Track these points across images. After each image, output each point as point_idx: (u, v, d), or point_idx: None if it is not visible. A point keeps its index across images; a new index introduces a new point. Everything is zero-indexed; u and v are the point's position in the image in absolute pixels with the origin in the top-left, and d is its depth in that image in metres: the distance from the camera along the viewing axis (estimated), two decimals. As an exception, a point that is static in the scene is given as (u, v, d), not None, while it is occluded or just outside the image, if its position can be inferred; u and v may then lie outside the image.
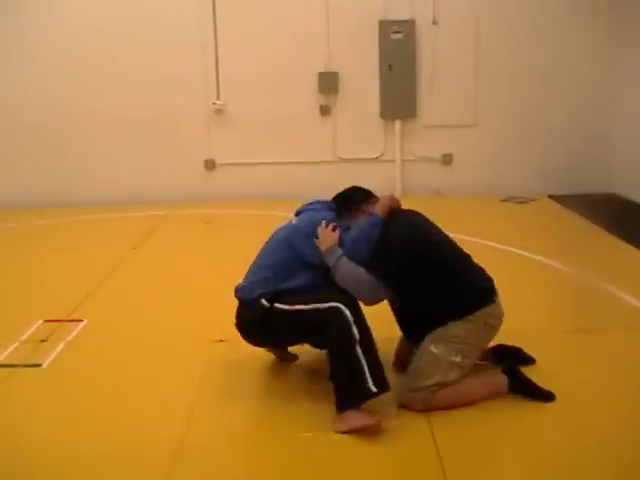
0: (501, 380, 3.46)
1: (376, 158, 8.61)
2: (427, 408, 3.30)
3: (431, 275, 3.34)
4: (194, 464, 2.99)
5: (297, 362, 3.89)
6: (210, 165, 8.67)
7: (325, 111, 8.53)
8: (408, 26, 8.30)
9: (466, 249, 3.60)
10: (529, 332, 4.15)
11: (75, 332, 4.47)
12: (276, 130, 8.52)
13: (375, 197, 3.62)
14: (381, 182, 8.46)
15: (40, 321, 4.65)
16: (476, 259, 3.59)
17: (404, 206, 3.61)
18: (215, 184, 8.66)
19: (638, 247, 6.07)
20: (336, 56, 8.35)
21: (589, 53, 8.39)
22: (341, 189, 3.72)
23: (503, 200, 8.20)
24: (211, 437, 3.21)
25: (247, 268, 3.63)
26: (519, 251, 6.07)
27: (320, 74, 8.40)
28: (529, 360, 3.77)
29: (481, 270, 3.54)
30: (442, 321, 3.35)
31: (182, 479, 2.90)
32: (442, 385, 3.30)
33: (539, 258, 5.85)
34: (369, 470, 2.94)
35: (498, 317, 3.47)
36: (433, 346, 3.33)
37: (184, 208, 8.16)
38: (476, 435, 3.15)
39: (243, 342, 3.62)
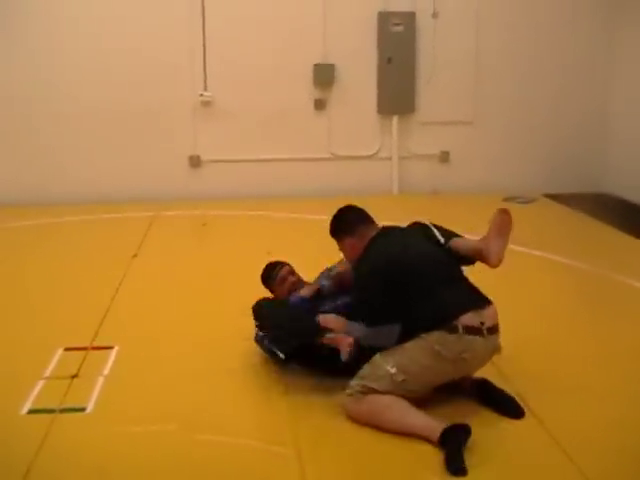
0: (435, 427, 3.02)
1: (372, 155, 8.21)
2: (349, 413, 3.23)
3: (396, 297, 3.29)
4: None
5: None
6: (195, 162, 8.08)
7: (320, 105, 8.06)
8: (408, 18, 7.89)
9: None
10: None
11: (109, 363, 3.89)
12: (267, 125, 7.98)
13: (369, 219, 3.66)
14: (376, 180, 8.17)
15: (60, 350, 4.04)
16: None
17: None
18: (200, 182, 8.07)
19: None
20: (333, 47, 7.86)
21: (587, 53, 8.24)
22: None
23: (505, 199, 7.92)
24: None
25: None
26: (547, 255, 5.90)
27: (315, 66, 7.92)
28: (517, 412, 3.30)
29: (456, 296, 3.26)
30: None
31: None
32: (369, 390, 3.17)
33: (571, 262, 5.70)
34: None
35: (453, 350, 3.12)
36: (379, 354, 3.27)
37: (171, 208, 7.53)
38: None
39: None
